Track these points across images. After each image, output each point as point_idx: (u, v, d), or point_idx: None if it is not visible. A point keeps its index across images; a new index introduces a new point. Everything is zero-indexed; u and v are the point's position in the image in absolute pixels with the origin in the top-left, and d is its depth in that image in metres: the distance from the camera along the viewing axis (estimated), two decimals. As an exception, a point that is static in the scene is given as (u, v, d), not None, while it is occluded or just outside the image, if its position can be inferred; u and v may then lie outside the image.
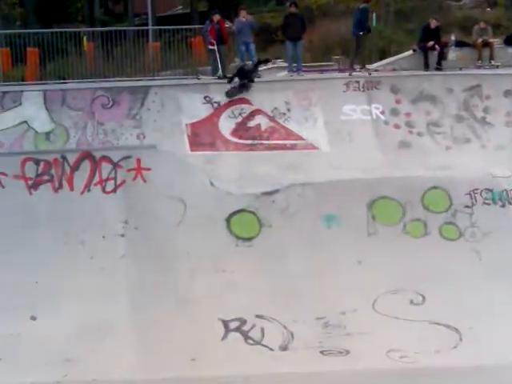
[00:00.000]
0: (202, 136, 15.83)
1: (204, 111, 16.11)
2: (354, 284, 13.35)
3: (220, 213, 14.18)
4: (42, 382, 11.47)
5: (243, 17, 18.16)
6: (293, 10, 18.56)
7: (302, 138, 16.05)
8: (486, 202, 14.52)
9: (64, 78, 19.29)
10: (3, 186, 14.25)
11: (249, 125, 16.08)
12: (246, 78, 16.46)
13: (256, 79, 16.82)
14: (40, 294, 13.10)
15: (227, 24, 18.56)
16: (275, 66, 20.99)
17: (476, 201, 14.50)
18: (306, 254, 13.76)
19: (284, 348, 12.62)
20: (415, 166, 15.10)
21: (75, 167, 14.50)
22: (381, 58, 21.30)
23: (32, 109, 15.48)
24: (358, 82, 16.78)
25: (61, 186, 14.38)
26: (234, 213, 14.20)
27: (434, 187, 14.54)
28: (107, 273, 13.56)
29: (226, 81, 16.78)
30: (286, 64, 19.41)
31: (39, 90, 15.99)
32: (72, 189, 14.38)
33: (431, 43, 18.74)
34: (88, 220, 14.05)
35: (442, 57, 18.75)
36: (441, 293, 13.18)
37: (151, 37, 22.88)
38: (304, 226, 14.10)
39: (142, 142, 15.46)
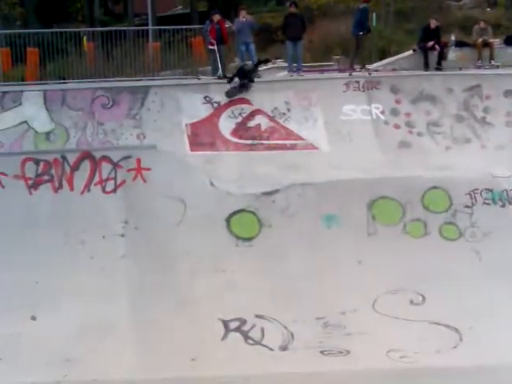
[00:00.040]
0: (202, 136, 15.83)
1: (204, 111, 16.12)
2: (354, 284, 13.34)
3: (220, 213, 14.17)
4: (42, 382, 11.44)
5: (243, 17, 18.16)
6: (293, 9, 18.57)
7: (301, 138, 16.05)
8: (486, 202, 14.52)
9: (64, 78, 19.29)
10: (3, 186, 14.24)
11: (249, 125, 16.09)
12: (245, 78, 16.46)
13: (256, 79, 16.82)
14: (40, 294, 13.09)
15: (227, 24, 18.55)
16: (275, 66, 21.01)
17: (476, 201, 14.50)
18: (306, 254, 13.76)
19: (284, 348, 12.61)
20: (415, 166, 15.09)
21: (75, 167, 14.48)
22: (381, 58, 21.33)
23: (32, 109, 15.49)
24: (358, 82, 16.79)
25: (61, 186, 14.36)
26: (234, 213, 14.20)
27: (434, 187, 14.53)
28: (107, 273, 13.55)
29: (226, 81, 16.79)
30: (285, 64, 19.42)
31: (39, 90, 16.00)
32: (72, 189, 14.36)
33: (431, 43, 18.75)
34: (88, 220, 14.04)
35: (441, 57, 18.76)
36: (441, 293, 13.17)
37: (151, 37, 22.88)
38: (304, 226, 14.09)
39: (141, 142, 15.46)
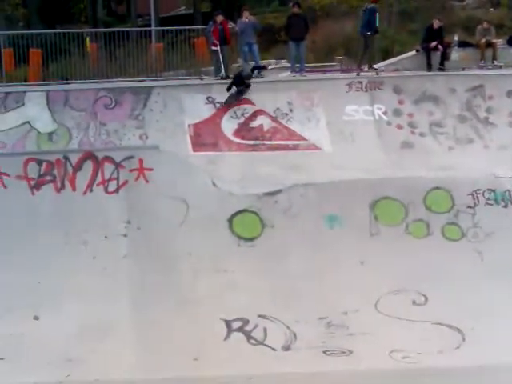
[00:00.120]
0: (205, 136, 15.85)
1: (206, 112, 16.15)
2: (356, 284, 13.33)
3: (222, 213, 14.17)
4: (44, 382, 11.45)
5: (246, 17, 18.18)
6: (296, 10, 18.58)
7: (304, 139, 16.05)
8: (489, 202, 14.49)
9: (67, 79, 19.35)
10: (6, 187, 14.24)
11: (251, 125, 16.10)
12: (243, 84, 16.42)
13: (258, 79, 16.82)
14: (42, 294, 13.10)
15: (230, 25, 18.57)
16: (277, 66, 21.01)
17: (478, 201, 14.47)
18: (308, 255, 13.75)
19: (287, 348, 12.60)
20: (418, 167, 15.08)
21: (78, 167, 14.48)
22: (384, 58, 21.28)
23: (35, 109, 15.55)
24: (360, 82, 16.80)
25: (63, 187, 14.37)
26: (237, 213, 14.19)
27: (437, 187, 14.51)
28: (109, 273, 13.56)
29: (228, 81, 16.76)
30: (288, 64, 19.42)
31: (42, 91, 16.07)
32: (74, 189, 14.37)
33: (434, 43, 18.73)
34: (90, 220, 14.05)
35: (444, 57, 18.76)
36: (443, 293, 13.15)
37: (154, 37, 22.92)
38: (306, 226, 14.09)
39: (144, 143, 15.50)
